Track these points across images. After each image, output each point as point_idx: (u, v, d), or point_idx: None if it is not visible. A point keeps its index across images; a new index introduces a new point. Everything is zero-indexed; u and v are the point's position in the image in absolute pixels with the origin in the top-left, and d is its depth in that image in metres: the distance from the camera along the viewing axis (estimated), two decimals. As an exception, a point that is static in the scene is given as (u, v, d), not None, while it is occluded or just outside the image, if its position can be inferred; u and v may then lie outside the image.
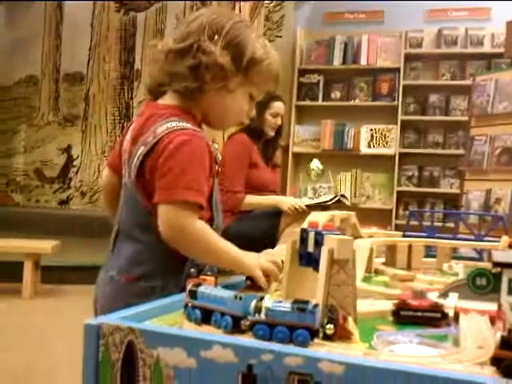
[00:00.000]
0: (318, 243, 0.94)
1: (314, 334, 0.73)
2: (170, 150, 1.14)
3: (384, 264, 1.64)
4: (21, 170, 7.68)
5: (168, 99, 1.26)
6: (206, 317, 0.79)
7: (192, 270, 1.20)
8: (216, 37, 1.21)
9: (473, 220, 3.11)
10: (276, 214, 3.09)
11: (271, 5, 6.19)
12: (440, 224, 2.07)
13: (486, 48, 5.68)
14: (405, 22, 5.87)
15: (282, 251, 1.19)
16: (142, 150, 1.19)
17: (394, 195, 5.80)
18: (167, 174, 1.13)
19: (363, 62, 5.97)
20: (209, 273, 1.21)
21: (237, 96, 1.26)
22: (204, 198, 1.16)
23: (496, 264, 0.78)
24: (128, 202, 1.25)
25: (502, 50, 5.05)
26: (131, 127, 1.29)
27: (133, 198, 1.22)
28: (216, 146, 1.24)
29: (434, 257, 1.76)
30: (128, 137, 1.27)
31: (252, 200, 3.16)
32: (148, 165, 1.17)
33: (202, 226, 1.15)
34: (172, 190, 1.13)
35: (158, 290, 1.18)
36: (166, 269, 1.20)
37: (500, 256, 0.80)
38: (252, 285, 1.16)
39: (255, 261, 1.16)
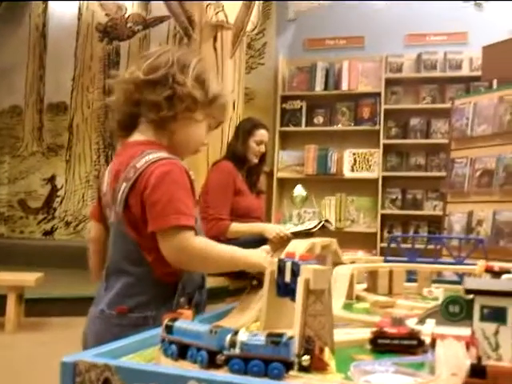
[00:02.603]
0: (295, 273, 0.95)
1: (288, 366, 0.73)
2: (154, 182, 1.19)
3: (366, 290, 1.64)
4: (5, 200, 7.62)
5: (140, 135, 1.31)
6: (183, 352, 0.79)
7: (182, 299, 1.23)
8: (187, 70, 1.29)
9: (455, 242, 3.13)
10: (261, 241, 3.08)
11: (253, 32, 6.25)
12: (423, 246, 2.09)
13: (465, 71, 5.78)
14: (385, 47, 5.96)
15: None
16: (124, 186, 1.23)
17: (379, 218, 5.82)
18: (156, 204, 1.18)
19: (345, 87, 6.04)
20: (197, 301, 1.26)
21: (200, 126, 1.35)
22: (194, 220, 1.21)
23: (468, 291, 0.79)
24: (116, 239, 1.27)
25: (479, 73, 5.13)
26: (108, 170, 1.33)
27: (120, 233, 1.25)
28: (191, 173, 1.29)
29: (415, 281, 1.77)
30: (106, 180, 1.31)
31: (237, 228, 3.16)
32: (132, 198, 1.21)
33: (200, 242, 1.22)
34: (163, 217, 1.17)
35: (150, 320, 1.21)
36: (158, 299, 1.23)
37: (472, 283, 0.81)
38: (259, 284, 1.21)
39: (259, 252, 1.32)
